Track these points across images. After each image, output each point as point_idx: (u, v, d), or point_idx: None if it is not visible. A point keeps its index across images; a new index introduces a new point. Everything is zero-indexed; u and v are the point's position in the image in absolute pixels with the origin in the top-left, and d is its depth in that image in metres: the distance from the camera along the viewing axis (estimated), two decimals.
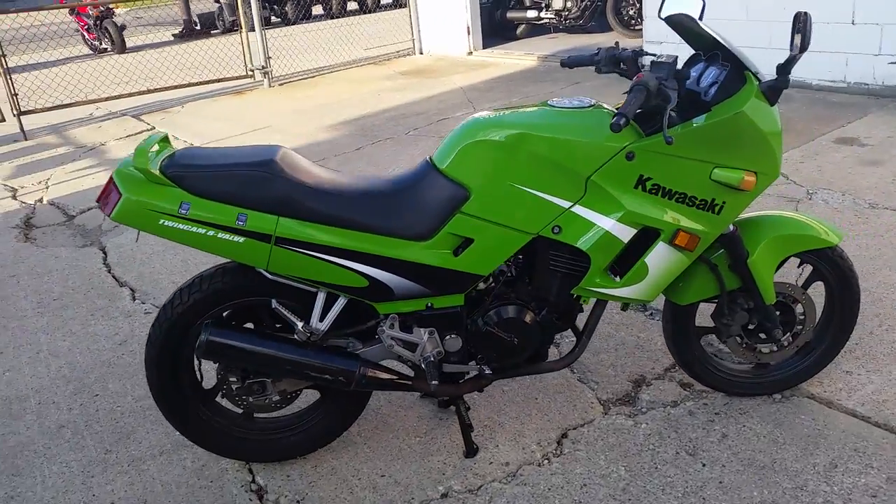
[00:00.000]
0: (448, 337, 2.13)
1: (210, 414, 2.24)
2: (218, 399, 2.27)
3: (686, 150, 1.96)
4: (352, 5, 16.43)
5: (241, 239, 1.92)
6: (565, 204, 1.99)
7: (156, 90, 8.21)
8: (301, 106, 7.56)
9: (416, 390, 2.20)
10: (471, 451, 2.32)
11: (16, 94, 7.09)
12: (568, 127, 1.96)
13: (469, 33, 9.57)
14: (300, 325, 2.05)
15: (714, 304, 2.36)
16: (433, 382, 2.11)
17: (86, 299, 3.63)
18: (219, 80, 8.54)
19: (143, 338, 3.18)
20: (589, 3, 9.69)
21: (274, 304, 2.06)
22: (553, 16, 9.91)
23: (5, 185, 5.69)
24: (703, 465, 2.22)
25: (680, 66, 2.19)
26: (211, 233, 1.90)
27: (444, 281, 2.04)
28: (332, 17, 15.22)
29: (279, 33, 12.82)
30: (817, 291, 2.51)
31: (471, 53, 9.63)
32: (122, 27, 12.78)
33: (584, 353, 2.82)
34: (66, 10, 12.39)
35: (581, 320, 2.32)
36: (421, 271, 2.01)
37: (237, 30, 8.69)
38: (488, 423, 2.49)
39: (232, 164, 1.92)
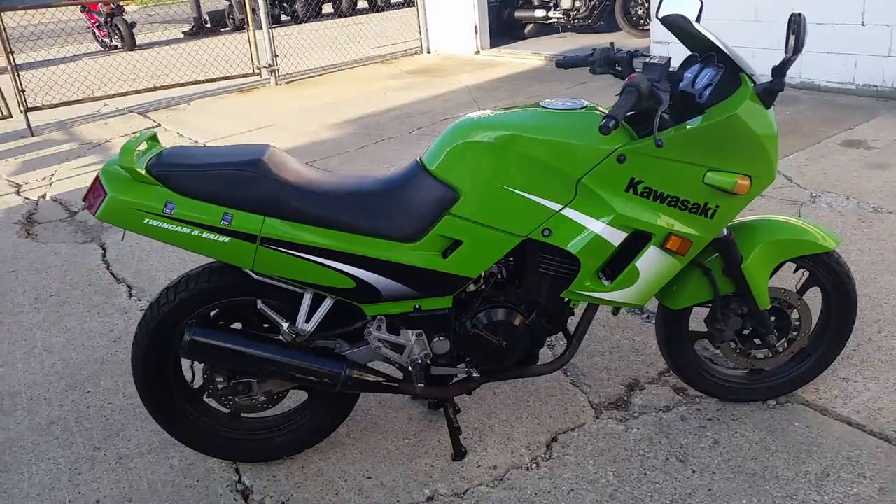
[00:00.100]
0: (436, 339, 2.11)
1: (197, 413, 2.23)
2: (205, 399, 2.26)
3: (678, 152, 1.93)
4: (362, 3, 16.43)
5: (227, 239, 1.90)
6: (555, 206, 1.96)
7: (162, 87, 8.23)
8: (307, 104, 7.56)
9: (403, 392, 2.18)
10: (459, 453, 2.30)
11: (23, 91, 7.12)
12: (559, 129, 1.93)
13: (477, 32, 9.55)
14: (285, 325, 2.03)
15: (708, 309, 2.33)
16: (419, 385, 2.09)
17: (83, 296, 3.63)
18: (225, 78, 8.55)
19: None
20: (597, 3, 9.64)
21: (259, 304, 2.05)
22: (561, 15, 9.87)
23: (10, 180, 5.72)
24: (693, 471, 2.19)
25: (676, 67, 2.17)
26: (196, 232, 1.89)
27: (432, 283, 2.02)
28: (342, 16, 15.24)
29: (288, 31, 12.84)
30: (816, 297, 2.48)
31: (478, 53, 9.60)
32: (133, 24, 12.85)
33: (579, 355, 2.80)
34: (78, 7, 12.46)
35: (573, 323, 2.30)
36: (408, 273, 1.99)
37: (247, 27, 8.69)
38: (478, 425, 2.46)
39: (218, 164, 1.90)
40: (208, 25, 14.52)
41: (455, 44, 9.83)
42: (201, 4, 14.62)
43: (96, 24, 12.87)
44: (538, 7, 10.14)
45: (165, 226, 1.88)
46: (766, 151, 1.96)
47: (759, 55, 6.40)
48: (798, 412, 2.40)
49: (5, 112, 7.31)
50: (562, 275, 2.06)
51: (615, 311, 2.28)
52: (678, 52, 6.10)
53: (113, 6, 12.48)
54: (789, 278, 2.78)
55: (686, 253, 2.03)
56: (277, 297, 2.07)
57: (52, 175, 5.76)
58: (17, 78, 7.07)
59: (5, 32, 6.90)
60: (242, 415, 2.29)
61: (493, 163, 1.94)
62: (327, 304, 2.06)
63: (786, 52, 1.83)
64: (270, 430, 2.30)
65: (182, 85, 8.31)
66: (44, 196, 5.27)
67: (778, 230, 2.20)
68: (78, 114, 7.85)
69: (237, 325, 2.21)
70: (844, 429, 2.31)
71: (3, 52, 6.91)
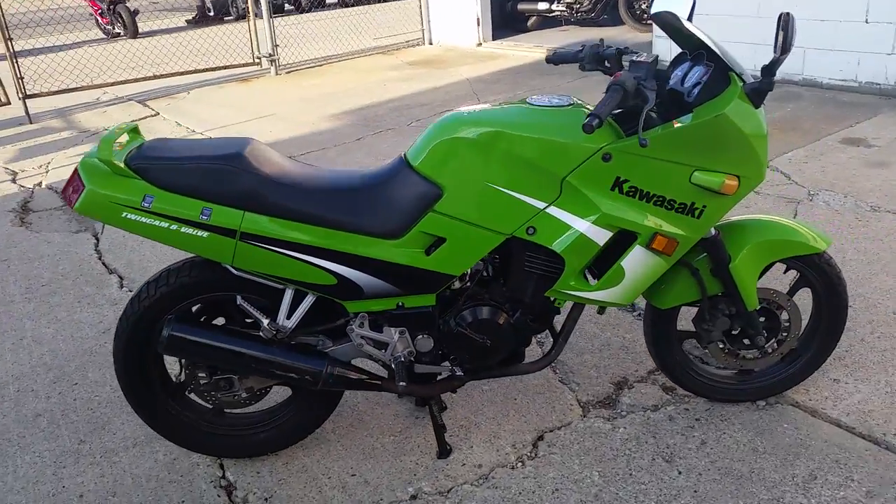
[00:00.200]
0: (419, 337, 2.09)
1: (179, 408, 2.22)
2: (188, 394, 2.25)
3: (665, 152, 1.90)
4: None
5: (205, 234, 1.88)
6: (540, 205, 1.94)
7: (162, 76, 8.20)
8: (306, 94, 7.53)
9: (386, 390, 2.16)
10: (444, 451, 2.28)
11: (22, 78, 7.09)
12: (544, 126, 1.91)
13: (479, 24, 9.49)
14: (265, 322, 2.01)
15: (696, 308, 2.30)
16: (401, 384, 2.07)
17: (74, 286, 3.62)
18: (225, 67, 8.52)
19: None
20: None
21: (239, 300, 2.03)
22: (564, 8, 9.80)
23: (6, 168, 5.70)
24: (679, 472, 2.17)
25: (667, 64, 2.14)
26: (174, 227, 1.87)
27: (415, 280, 2.00)
28: (345, 6, 15.15)
29: (290, 21, 12.77)
30: (807, 297, 2.45)
31: (480, 45, 9.55)
32: (135, 12, 12.80)
33: (568, 353, 2.78)
34: None
35: (561, 321, 2.28)
36: (391, 270, 1.97)
37: (248, 17, 8.65)
38: (464, 422, 2.45)
39: (197, 157, 1.88)
40: (212, 14, 14.45)
41: (457, 35, 9.77)
42: None
43: (99, 11, 12.83)
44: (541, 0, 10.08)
45: (143, 220, 1.86)
46: (754, 151, 1.93)
47: (761, 51, 6.35)
48: (787, 413, 2.38)
49: (4, 99, 7.29)
50: (547, 273, 2.03)
51: (601, 310, 2.26)
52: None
53: None
54: (783, 278, 2.76)
55: (672, 253, 2.01)
56: (259, 292, 2.05)
57: (49, 163, 5.74)
58: (15, 65, 7.05)
59: (4, 19, 6.87)
60: (226, 410, 2.28)
61: (477, 160, 1.91)
62: (309, 300, 2.04)
63: (774, 52, 1.81)
64: (254, 425, 2.28)
65: (182, 73, 8.28)
66: (39, 184, 5.25)
67: (767, 230, 2.17)
68: (77, 101, 7.83)
69: (221, 321, 2.19)
70: (834, 431, 2.29)
71: (2, 38, 6.89)
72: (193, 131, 6.40)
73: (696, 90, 1.92)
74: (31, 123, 7.04)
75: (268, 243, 1.90)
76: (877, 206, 3.82)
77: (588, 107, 2.00)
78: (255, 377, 2.13)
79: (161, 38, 12.06)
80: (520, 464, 2.26)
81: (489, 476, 2.21)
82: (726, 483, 2.12)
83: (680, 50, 2.13)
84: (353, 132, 6.01)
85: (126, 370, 2.10)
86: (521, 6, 10.23)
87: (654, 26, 7.29)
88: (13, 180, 5.39)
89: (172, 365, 2.57)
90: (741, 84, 1.90)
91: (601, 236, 1.95)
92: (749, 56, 6.38)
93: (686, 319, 2.41)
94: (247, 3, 8.71)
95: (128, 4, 12.70)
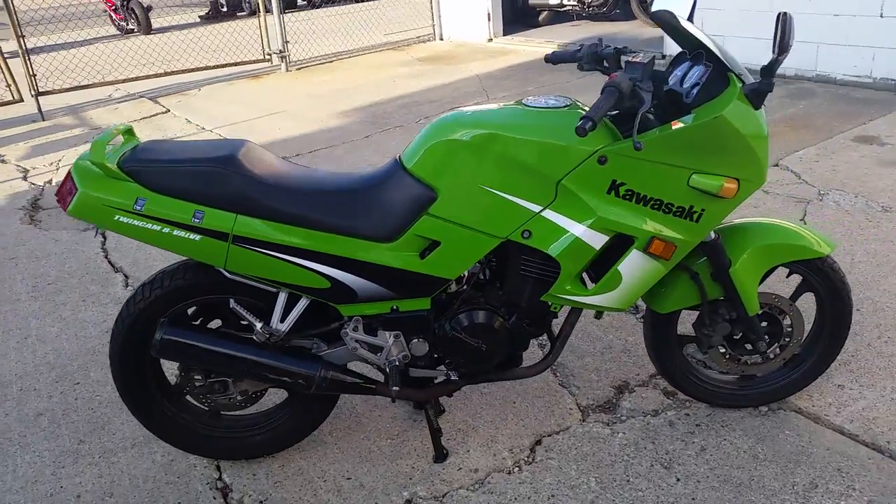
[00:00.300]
0: (414, 341, 2.08)
1: (175, 410, 2.22)
2: (185, 396, 2.24)
3: (662, 154, 1.87)
4: None
5: (198, 237, 1.87)
6: (535, 208, 1.91)
7: (173, 73, 8.22)
8: (316, 91, 7.53)
9: (381, 394, 2.15)
10: (440, 455, 2.27)
11: (34, 75, 7.14)
12: (539, 128, 1.88)
13: (490, 20, 9.44)
14: (259, 325, 2.00)
15: (697, 312, 2.27)
16: (394, 388, 2.06)
17: (80, 284, 3.63)
18: (236, 64, 8.54)
19: None
20: None
21: (232, 303, 2.02)
22: (576, 3, 9.73)
23: (18, 165, 5.74)
24: (678, 479, 2.14)
25: (666, 64, 2.10)
26: (166, 230, 1.86)
27: (410, 284, 1.98)
28: (357, 1, 15.13)
29: (301, 17, 12.79)
30: (811, 302, 2.41)
31: (491, 40, 9.50)
32: (149, 8, 12.85)
33: (569, 356, 2.75)
34: None
35: (558, 325, 2.25)
36: (385, 274, 1.96)
37: (258, 13, 8.65)
38: (462, 426, 2.43)
39: (190, 160, 1.87)
40: (224, 10, 14.48)
41: (468, 31, 9.73)
42: None
43: (113, 7, 12.90)
44: None
45: (136, 223, 1.86)
46: (754, 154, 1.89)
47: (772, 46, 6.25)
48: (790, 420, 2.34)
49: (17, 96, 7.34)
50: (542, 278, 2.01)
51: (598, 314, 2.23)
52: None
53: None
54: (787, 283, 2.71)
55: (670, 257, 1.97)
56: (252, 295, 2.04)
57: (60, 160, 5.77)
58: (28, 62, 7.09)
59: (17, 16, 6.91)
60: (222, 413, 2.27)
61: (471, 162, 1.89)
62: (302, 303, 2.03)
63: (773, 52, 1.77)
64: (250, 428, 2.28)
65: (193, 70, 8.30)
66: (50, 182, 5.28)
67: (769, 234, 2.14)
68: (89, 98, 7.87)
69: (217, 323, 2.19)
70: (836, 438, 2.25)
71: (14, 36, 6.93)
72: (203, 128, 6.42)
73: (694, 91, 1.89)
74: (43, 121, 7.09)
75: (260, 246, 1.89)
76: (888, 206, 3.76)
77: (585, 108, 1.97)
78: (249, 380, 2.12)
79: (174, 34, 12.09)
80: (516, 469, 2.24)
81: (485, 481, 2.20)
82: (725, 491, 2.09)
83: (680, 49, 2.10)
84: (362, 129, 5.99)
85: (122, 372, 2.10)
86: (532, 1, 10.17)
87: None
88: (24, 178, 5.43)
89: (170, 367, 2.57)
90: (740, 85, 1.87)
91: (597, 240, 1.92)
92: (762, 52, 6.29)
93: (687, 323, 2.38)
94: None
95: (141, 0, 12.76)
